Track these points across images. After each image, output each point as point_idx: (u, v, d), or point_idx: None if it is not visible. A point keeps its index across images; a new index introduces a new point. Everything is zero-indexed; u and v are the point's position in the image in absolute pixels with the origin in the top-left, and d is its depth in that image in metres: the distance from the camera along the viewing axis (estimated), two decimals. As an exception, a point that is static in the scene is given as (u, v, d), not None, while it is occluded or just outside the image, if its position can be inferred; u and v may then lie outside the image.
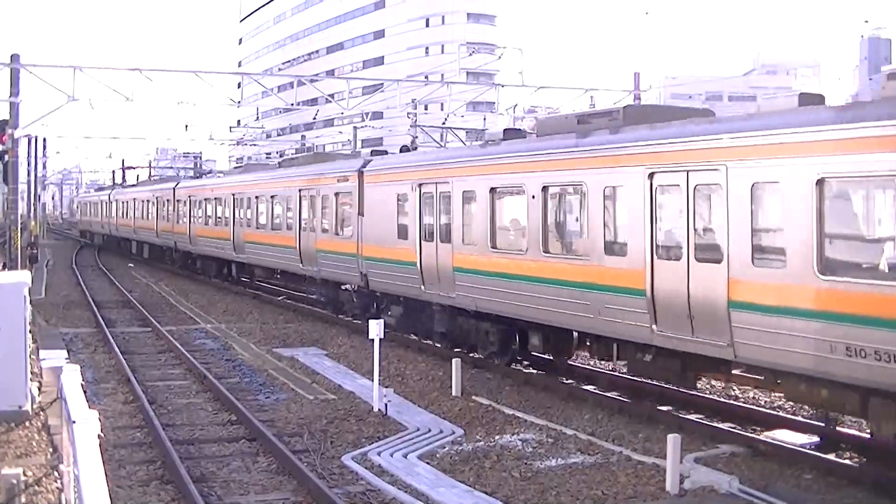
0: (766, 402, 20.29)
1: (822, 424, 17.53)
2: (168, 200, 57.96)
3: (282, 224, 37.63)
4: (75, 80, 40.52)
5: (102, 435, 7.93)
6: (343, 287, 32.94)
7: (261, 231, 40.38)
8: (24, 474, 12.47)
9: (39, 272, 52.12)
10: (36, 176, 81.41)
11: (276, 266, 39.84)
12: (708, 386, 21.88)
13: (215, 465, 16.09)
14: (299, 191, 35.28)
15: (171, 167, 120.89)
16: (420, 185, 26.06)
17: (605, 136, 19.64)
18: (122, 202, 75.79)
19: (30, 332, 19.10)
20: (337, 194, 31.71)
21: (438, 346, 26.95)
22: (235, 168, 55.17)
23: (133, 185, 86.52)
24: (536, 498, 14.18)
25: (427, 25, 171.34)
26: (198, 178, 66.77)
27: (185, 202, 53.99)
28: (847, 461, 15.79)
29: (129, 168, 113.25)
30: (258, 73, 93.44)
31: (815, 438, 16.99)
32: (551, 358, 23.46)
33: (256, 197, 41.28)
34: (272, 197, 39.03)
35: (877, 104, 14.29)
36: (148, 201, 64.80)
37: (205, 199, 50.13)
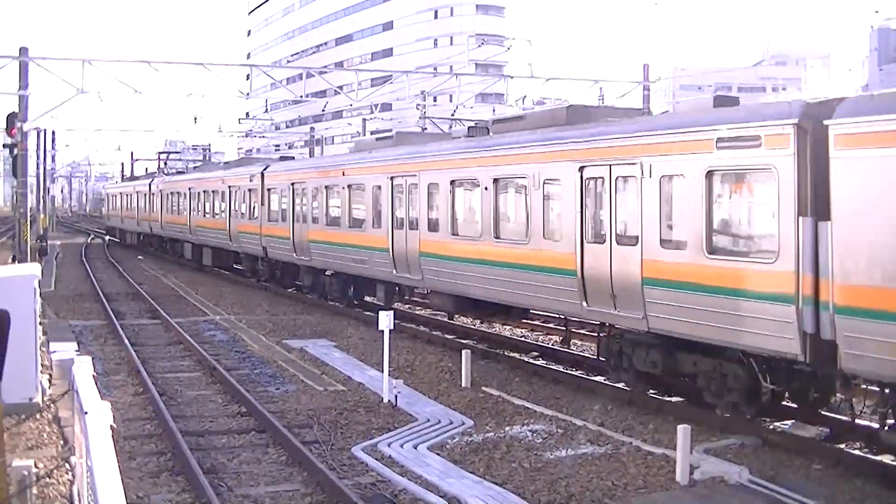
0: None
1: (832, 415, 17.54)
2: (251, 190, 42.72)
3: (554, 230, 21.39)
4: (84, 73, 40.66)
5: (115, 426, 7.95)
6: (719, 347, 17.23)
7: (469, 241, 24.73)
8: (36, 466, 12.51)
9: (49, 265, 52.23)
10: (45, 169, 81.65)
11: (523, 303, 23.65)
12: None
13: (225, 456, 16.13)
14: (580, 170, 20.07)
15: (181, 159, 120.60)
16: None
17: None
18: (171, 194, 59.95)
19: (40, 324, 19.16)
20: (710, 174, 16.76)
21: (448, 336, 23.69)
22: (379, 139, 34.57)
23: (182, 172, 70.68)
24: (546, 489, 14.19)
25: (436, 17, 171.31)
26: (289, 158, 51.64)
27: (283, 192, 38.67)
28: (856, 452, 15.78)
29: (137, 160, 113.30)
30: (267, 64, 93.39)
31: (825, 429, 16.98)
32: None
33: (452, 182, 25.65)
34: (496, 182, 23.60)
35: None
36: (214, 192, 49.39)
37: (327, 188, 34.33)
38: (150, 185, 67.56)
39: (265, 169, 41.67)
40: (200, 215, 51.98)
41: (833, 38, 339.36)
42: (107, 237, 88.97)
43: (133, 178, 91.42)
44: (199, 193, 52.61)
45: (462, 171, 25.36)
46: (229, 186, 46.37)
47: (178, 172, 72.02)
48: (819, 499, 13.31)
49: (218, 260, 50.42)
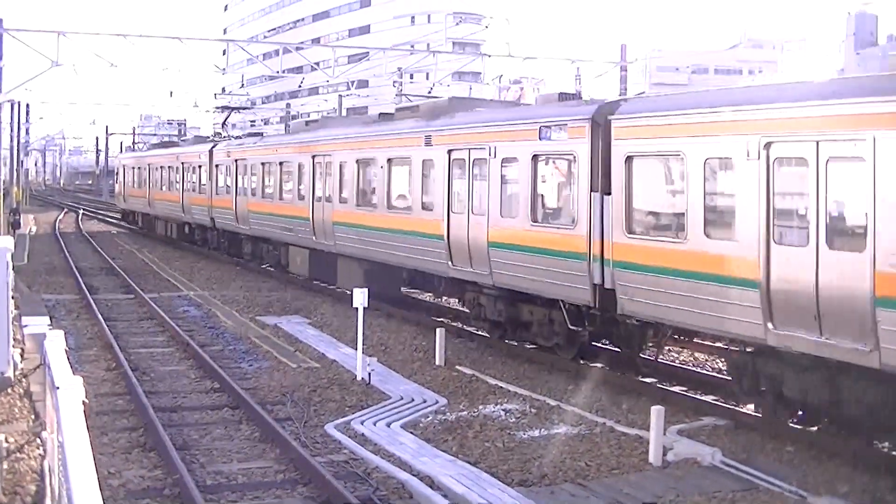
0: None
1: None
2: (545, 161, 20.85)
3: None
4: (59, 46, 40.33)
5: (87, 401, 7.89)
6: None
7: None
8: (6, 441, 12.44)
9: (22, 239, 51.93)
10: (19, 142, 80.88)
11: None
12: (691, 358, 21.94)
13: (198, 432, 16.08)
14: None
15: (156, 134, 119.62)
16: None
17: None
18: (266, 166, 37.83)
19: (12, 298, 19.02)
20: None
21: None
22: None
23: (258, 135, 49.95)
24: (519, 468, 14.21)
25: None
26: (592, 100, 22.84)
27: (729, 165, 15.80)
28: (829, 435, 15.84)
29: (112, 134, 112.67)
30: (243, 40, 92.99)
31: (798, 412, 17.04)
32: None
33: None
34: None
35: None
36: (404, 161, 26.48)
37: None
38: (210, 152, 45.49)
39: (608, 111, 19.00)
40: (350, 204, 29.43)
41: (810, 22, 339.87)
42: (73, 215, 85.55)
43: (167, 143, 69.11)
44: (345, 166, 29.87)
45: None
46: (449, 151, 23.81)
47: (252, 135, 51.48)
48: (791, 481, 13.36)
49: (388, 284, 29.34)
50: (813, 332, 13.92)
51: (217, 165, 44.09)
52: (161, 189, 54.93)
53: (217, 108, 69.19)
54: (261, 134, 49.86)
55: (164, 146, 63.08)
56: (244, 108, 63.78)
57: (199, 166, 46.84)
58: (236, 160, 41.05)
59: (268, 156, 37.72)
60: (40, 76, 52.61)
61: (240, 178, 40.44)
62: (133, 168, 64.92)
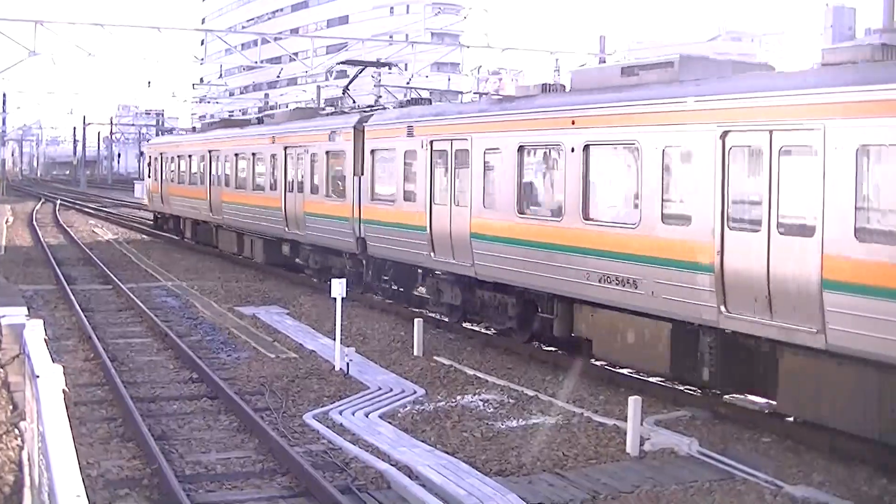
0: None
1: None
2: None
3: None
4: (37, 35, 40.19)
5: (67, 390, 7.89)
6: None
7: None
8: (-16, 431, 12.41)
9: (-2, 229, 51.67)
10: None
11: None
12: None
13: (177, 422, 16.08)
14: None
15: (133, 124, 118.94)
16: None
17: None
18: (539, 155, 20.32)
19: (-11, 288, 18.98)
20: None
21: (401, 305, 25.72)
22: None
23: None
24: (497, 458, 14.26)
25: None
26: None
27: None
28: (804, 425, 15.94)
29: (90, 124, 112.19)
30: (222, 30, 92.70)
31: (774, 402, 17.13)
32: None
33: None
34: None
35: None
36: None
37: None
38: (356, 130, 28.07)
39: None
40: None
41: (789, 14, 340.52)
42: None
43: (234, 120, 50.39)
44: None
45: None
46: None
47: (414, 101, 30.29)
48: (767, 470, 13.45)
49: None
50: (450, 258, 22.92)
51: (374, 151, 27.24)
52: (235, 188, 38.35)
53: (340, 62, 46.52)
54: (429, 101, 30.33)
55: (238, 124, 44.20)
56: (380, 65, 40.28)
57: (327, 153, 30.11)
58: (432, 141, 23.90)
59: (538, 132, 20.18)
60: (17, 65, 52.21)
61: (444, 175, 23.60)
62: (178, 157, 46.97)
